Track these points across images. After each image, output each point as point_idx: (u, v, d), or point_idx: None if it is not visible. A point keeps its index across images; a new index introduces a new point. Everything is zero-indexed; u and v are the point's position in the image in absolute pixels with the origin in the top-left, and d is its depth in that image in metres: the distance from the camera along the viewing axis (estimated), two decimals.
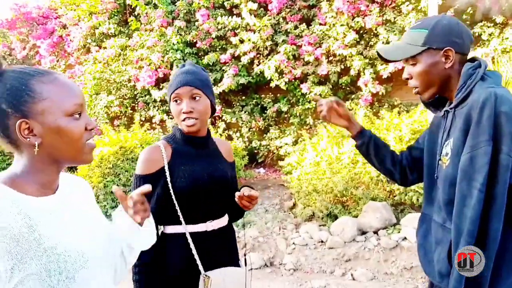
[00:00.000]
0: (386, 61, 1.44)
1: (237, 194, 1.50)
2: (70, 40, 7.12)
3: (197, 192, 1.51)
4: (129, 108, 7.09)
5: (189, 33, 6.37)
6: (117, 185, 5.21)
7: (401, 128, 4.38)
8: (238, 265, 1.65)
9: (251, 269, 4.07)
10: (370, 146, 1.59)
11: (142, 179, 1.46)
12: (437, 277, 1.31)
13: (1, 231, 0.73)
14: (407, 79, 1.40)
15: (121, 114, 7.13)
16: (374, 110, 5.71)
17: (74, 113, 0.88)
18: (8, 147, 0.87)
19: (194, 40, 6.37)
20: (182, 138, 1.57)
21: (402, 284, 3.43)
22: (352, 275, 3.60)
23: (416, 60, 1.34)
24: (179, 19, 6.40)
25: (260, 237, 4.29)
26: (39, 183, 0.87)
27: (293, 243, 4.12)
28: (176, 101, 1.52)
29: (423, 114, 4.55)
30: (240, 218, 1.75)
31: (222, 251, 1.58)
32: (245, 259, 1.65)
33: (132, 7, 6.58)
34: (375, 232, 3.99)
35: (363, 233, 4.02)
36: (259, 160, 6.72)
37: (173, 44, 6.22)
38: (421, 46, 1.31)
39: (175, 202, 1.48)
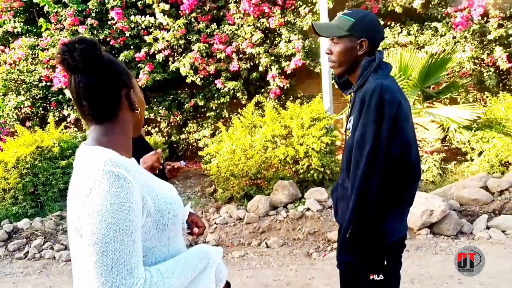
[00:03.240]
0: (318, 35, 1.78)
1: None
2: None
3: None
4: (41, 109, 6.95)
5: (102, 32, 6.45)
6: (36, 185, 5.21)
7: (302, 116, 5.06)
8: None
9: None
10: None
11: None
12: (342, 222, 1.73)
13: (131, 196, 0.86)
14: (328, 53, 1.71)
15: (32, 115, 6.96)
16: (281, 102, 6.38)
17: None
18: (99, 118, 0.97)
19: (108, 39, 6.47)
20: None
21: (307, 246, 4.08)
22: (266, 243, 4.17)
23: (338, 41, 1.65)
24: (91, 18, 6.45)
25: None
26: (126, 149, 1.00)
27: (215, 223, 4.58)
28: None
29: (319, 104, 5.28)
30: None
31: None
32: None
33: (40, 5, 6.44)
34: (284, 206, 4.62)
35: (275, 208, 4.63)
36: (179, 154, 7.05)
37: None
38: (346, 31, 1.62)
39: None
